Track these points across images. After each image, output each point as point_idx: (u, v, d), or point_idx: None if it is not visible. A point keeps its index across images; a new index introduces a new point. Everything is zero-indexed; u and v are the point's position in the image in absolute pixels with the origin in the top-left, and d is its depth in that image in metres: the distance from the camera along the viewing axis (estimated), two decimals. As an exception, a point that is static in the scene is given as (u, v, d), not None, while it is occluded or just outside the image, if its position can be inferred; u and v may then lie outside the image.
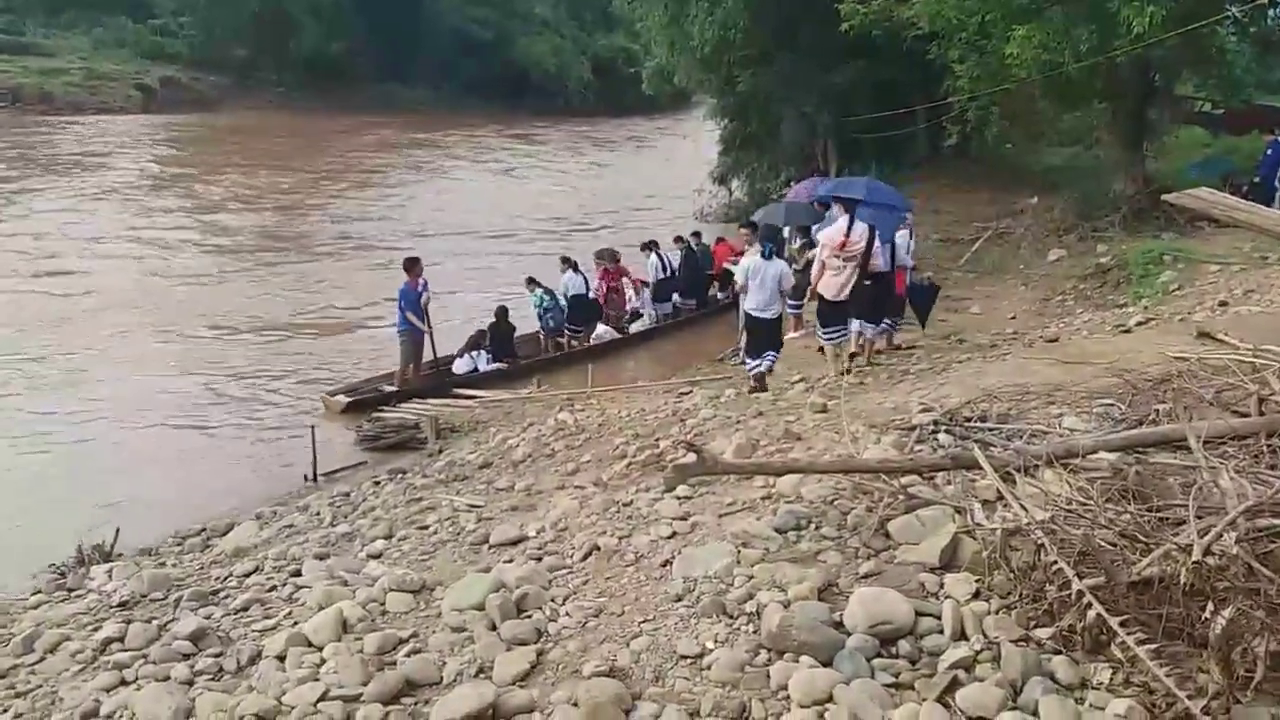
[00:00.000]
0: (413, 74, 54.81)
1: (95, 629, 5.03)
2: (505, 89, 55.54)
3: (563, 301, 14.70)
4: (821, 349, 10.02)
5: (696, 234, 17.97)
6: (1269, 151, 15.98)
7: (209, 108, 45.87)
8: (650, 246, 16.62)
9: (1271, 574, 3.18)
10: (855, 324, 10.22)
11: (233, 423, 11.45)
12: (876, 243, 9.55)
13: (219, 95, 47.79)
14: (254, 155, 33.87)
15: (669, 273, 16.43)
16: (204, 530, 7.98)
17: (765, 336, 9.64)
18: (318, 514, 7.83)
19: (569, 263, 15.08)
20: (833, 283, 9.29)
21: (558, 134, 47.22)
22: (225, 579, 5.84)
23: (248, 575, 5.82)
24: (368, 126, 42.72)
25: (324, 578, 5.25)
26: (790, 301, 10.85)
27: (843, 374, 9.29)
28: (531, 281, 14.86)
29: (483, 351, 13.52)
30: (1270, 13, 16.51)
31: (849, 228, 9.21)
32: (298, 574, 5.56)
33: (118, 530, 7.56)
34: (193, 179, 29.81)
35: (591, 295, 15.06)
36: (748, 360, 9.82)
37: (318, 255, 21.43)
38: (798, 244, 12.91)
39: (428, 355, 13.03)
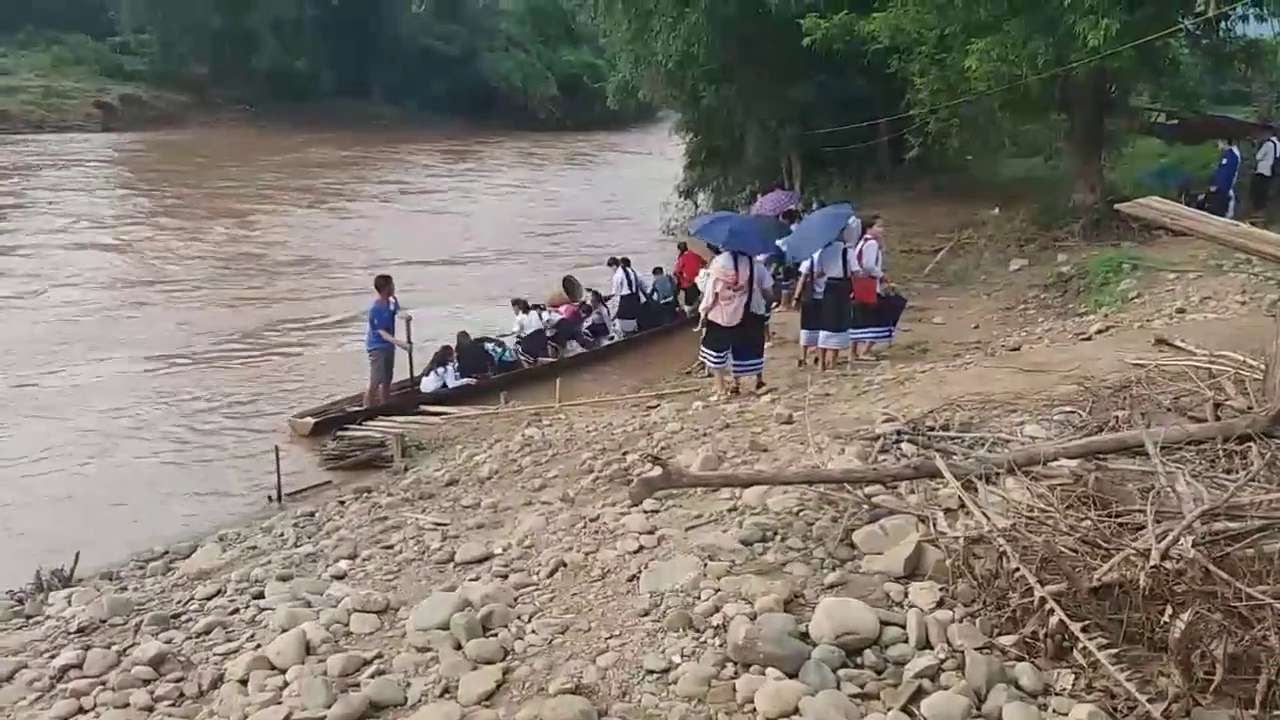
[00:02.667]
0: (378, 90, 54.64)
1: (52, 656, 4.93)
2: (471, 105, 55.59)
3: (511, 346, 14.70)
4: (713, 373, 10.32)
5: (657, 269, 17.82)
6: (1223, 161, 16.32)
7: (170, 125, 45.41)
8: (616, 262, 16.63)
9: (1228, 577, 3.22)
10: (820, 334, 11.16)
11: (195, 446, 11.29)
12: (761, 270, 10.22)
13: (180, 112, 47.41)
14: (159, 178, 33.06)
15: (634, 289, 16.45)
16: (166, 553, 7.84)
17: (757, 334, 10.26)
18: (281, 535, 7.72)
19: (520, 304, 15.23)
20: (725, 310, 9.75)
21: (508, 151, 46.88)
22: (187, 602, 5.74)
23: (210, 598, 5.72)
24: (317, 143, 42.29)
25: (287, 599, 5.17)
26: None
27: (731, 394, 9.78)
28: (465, 337, 14.56)
29: (449, 367, 13.44)
30: (1222, 24, 16.83)
31: (736, 264, 9.67)
32: (260, 596, 5.47)
33: (77, 555, 7.41)
34: (122, 199, 29.35)
35: (549, 332, 15.17)
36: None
37: (264, 277, 21.08)
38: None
39: (404, 373, 12.95)
